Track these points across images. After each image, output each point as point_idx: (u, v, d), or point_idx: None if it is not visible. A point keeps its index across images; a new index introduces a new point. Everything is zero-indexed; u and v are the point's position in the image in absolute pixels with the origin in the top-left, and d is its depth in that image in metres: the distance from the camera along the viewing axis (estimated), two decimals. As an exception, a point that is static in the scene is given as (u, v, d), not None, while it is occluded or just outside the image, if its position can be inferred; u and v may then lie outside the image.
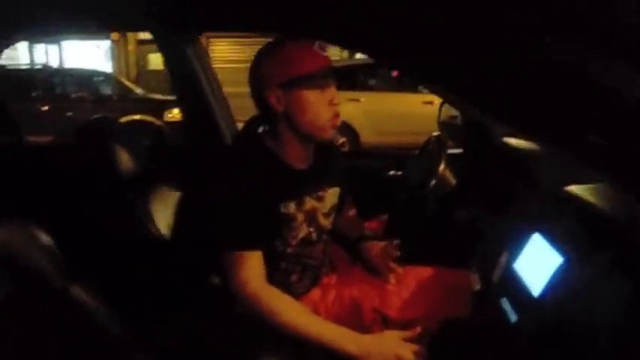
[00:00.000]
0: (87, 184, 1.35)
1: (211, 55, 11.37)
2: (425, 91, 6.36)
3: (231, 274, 1.17)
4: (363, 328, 1.26)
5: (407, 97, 6.82)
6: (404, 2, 0.73)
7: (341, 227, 1.52)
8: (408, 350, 1.10)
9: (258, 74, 1.24)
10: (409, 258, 1.38)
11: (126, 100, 7.78)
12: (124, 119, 6.96)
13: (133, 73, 13.05)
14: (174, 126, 6.89)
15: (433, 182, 1.48)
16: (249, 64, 1.27)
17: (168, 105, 7.10)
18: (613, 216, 0.99)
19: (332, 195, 1.40)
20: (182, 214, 1.45)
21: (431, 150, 1.64)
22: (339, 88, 1.27)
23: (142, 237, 1.34)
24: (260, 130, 1.33)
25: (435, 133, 1.75)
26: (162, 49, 1.67)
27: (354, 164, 1.87)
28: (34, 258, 0.86)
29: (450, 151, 1.78)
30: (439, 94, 1.63)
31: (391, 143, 6.27)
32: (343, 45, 1.26)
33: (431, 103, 6.51)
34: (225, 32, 9.49)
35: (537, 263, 1.07)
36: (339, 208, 1.47)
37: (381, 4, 0.74)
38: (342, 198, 1.47)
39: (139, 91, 8.53)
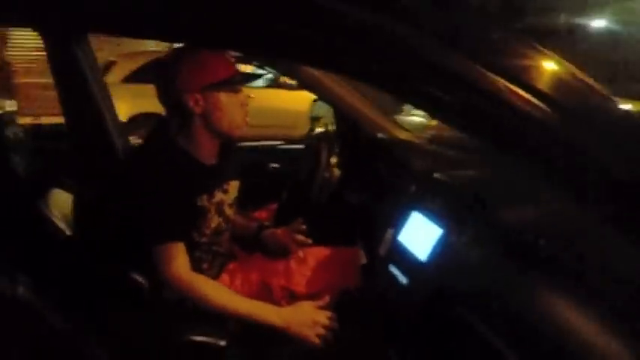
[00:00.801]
0: None
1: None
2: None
3: (162, 266, 1.25)
4: (274, 303, 1.42)
5: (275, 92, 7.15)
6: None
7: (238, 223, 1.65)
8: (322, 316, 1.29)
9: (174, 80, 1.31)
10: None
11: None
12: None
13: None
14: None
15: (321, 174, 1.69)
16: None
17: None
18: (475, 198, 1.29)
19: (234, 187, 1.54)
20: (93, 214, 1.45)
21: (316, 144, 1.84)
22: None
23: (53, 238, 1.33)
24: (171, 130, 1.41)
25: (319, 129, 1.96)
26: (47, 46, 1.61)
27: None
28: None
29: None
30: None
31: (263, 136, 6.44)
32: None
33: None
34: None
35: (419, 236, 1.34)
36: (239, 199, 1.60)
37: None
38: (240, 189, 1.60)
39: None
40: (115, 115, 1.86)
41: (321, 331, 1.28)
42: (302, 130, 6.17)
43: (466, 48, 0.69)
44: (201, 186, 1.37)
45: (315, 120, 6.60)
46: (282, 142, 3.12)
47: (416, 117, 8.04)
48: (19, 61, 11.86)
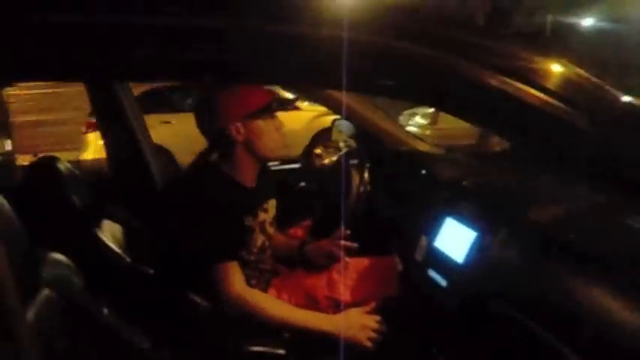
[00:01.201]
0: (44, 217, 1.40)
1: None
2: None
3: (222, 284, 1.36)
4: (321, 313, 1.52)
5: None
6: None
7: (280, 241, 1.75)
8: (371, 320, 1.39)
9: (215, 111, 1.43)
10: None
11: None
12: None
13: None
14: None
15: (356, 190, 1.79)
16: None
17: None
18: (505, 200, 1.39)
19: (272, 206, 1.64)
20: (143, 242, 1.55)
21: (345, 162, 1.95)
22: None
23: (117, 264, 1.43)
24: (213, 157, 1.52)
25: (344, 149, 2.06)
26: (90, 90, 1.74)
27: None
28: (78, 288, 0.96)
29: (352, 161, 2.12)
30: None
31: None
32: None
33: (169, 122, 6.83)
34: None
35: (455, 240, 1.42)
36: (277, 217, 1.70)
37: None
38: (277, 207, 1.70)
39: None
40: (152, 149, 1.99)
41: (372, 334, 1.37)
42: (298, 149, 6.14)
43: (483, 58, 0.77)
44: (246, 207, 1.48)
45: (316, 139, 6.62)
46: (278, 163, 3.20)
47: (412, 127, 8.11)
48: (15, 99, 12.14)
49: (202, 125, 1.49)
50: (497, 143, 8.53)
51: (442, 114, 8.36)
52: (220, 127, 1.43)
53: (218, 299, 1.37)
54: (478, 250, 1.32)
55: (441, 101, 0.88)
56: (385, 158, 1.94)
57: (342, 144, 2.21)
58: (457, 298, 1.34)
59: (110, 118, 1.83)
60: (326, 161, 2.99)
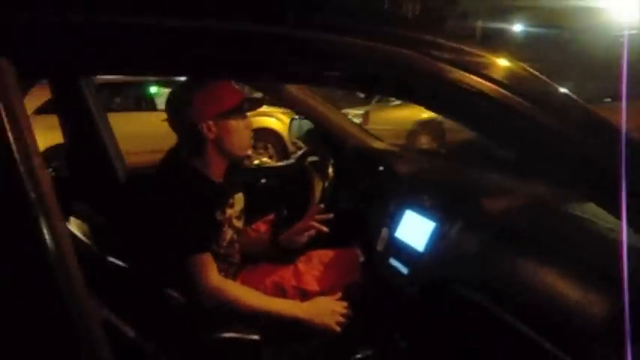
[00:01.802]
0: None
1: None
2: (162, 108, 6.60)
3: (197, 276, 1.40)
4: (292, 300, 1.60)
5: (146, 115, 7.08)
6: None
7: (250, 236, 1.81)
8: (338, 306, 1.48)
9: (188, 108, 1.47)
10: (308, 245, 1.74)
11: None
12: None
13: None
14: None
15: (319, 186, 1.88)
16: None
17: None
18: (459, 193, 1.52)
19: (239, 200, 1.70)
20: (109, 238, 1.56)
21: (302, 159, 2.04)
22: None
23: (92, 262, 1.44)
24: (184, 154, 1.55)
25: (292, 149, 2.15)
26: (53, 85, 1.72)
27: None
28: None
29: (311, 158, 2.21)
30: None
31: (134, 164, 6.14)
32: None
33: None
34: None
35: (415, 230, 1.54)
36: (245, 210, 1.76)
37: None
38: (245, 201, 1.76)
39: None
40: (116, 145, 1.99)
41: (340, 319, 1.46)
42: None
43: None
44: (215, 202, 1.53)
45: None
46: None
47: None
48: None
49: (172, 122, 1.53)
50: (426, 142, 8.93)
51: (372, 115, 8.74)
52: (192, 124, 1.47)
53: (194, 291, 1.41)
54: (437, 238, 1.45)
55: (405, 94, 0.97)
56: (346, 155, 2.04)
57: (290, 145, 2.29)
58: (418, 284, 1.46)
59: (73, 112, 1.81)
60: (256, 162, 3.08)
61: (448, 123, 9.70)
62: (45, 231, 0.61)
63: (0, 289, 0.63)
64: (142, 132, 6.19)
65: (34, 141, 0.63)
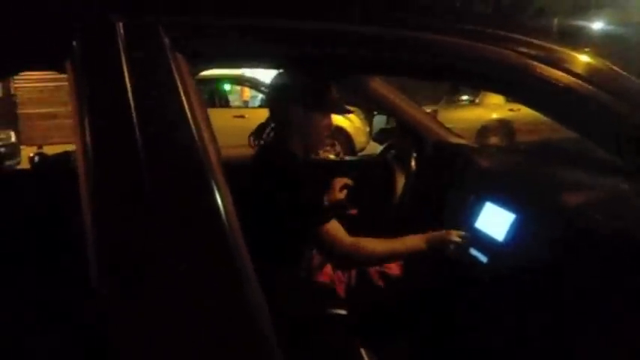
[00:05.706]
0: None
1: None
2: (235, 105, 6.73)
3: (333, 242, 1.50)
4: (372, 286, 1.73)
5: (219, 112, 7.19)
6: None
7: None
8: (453, 234, 1.60)
9: (284, 92, 1.58)
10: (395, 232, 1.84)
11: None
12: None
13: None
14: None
15: (403, 181, 2.01)
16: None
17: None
18: (541, 185, 1.58)
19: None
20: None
21: (388, 159, 2.18)
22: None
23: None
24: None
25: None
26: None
27: None
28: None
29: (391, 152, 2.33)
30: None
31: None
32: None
33: (242, 117, 7.06)
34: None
35: (495, 221, 1.62)
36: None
37: None
38: None
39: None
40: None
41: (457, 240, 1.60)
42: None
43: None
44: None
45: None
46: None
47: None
48: (22, 92, 12.26)
49: (272, 103, 1.64)
50: (496, 142, 8.76)
51: (441, 114, 8.68)
52: (283, 108, 1.58)
53: (333, 256, 1.55)
54: (517, 230, 1.52)
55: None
56: (428, 150, 2.14)
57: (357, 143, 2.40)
58: (497, 272, 1.54)
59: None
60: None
61: (517, 123, 9.54)
62: (216, 193, 0.75)
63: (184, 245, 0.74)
64: (215, 128, 6.51)
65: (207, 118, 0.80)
